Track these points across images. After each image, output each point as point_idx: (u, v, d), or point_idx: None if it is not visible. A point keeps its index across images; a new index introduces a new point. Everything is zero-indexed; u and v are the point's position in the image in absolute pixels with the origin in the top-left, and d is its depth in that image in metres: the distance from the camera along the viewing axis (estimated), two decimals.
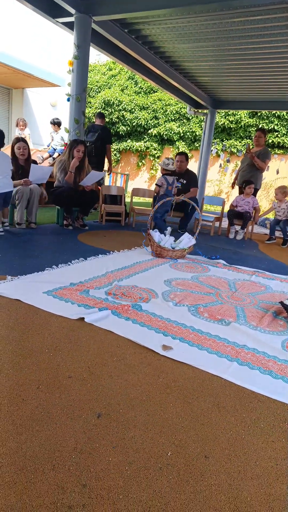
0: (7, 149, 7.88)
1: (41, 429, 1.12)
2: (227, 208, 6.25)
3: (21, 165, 4.36)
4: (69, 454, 1.03)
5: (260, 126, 11.22)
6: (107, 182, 9.06)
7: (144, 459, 1.05)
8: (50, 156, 7.56)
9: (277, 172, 10.76)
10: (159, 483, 0.98)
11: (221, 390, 1.44)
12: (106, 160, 6.79)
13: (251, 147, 6.42)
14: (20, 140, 4.35)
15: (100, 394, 1.32)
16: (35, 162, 4.61)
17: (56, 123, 7.55)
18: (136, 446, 1.10)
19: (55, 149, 7.67)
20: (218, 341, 1.85)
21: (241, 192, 6.07)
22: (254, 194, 6.21)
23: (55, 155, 7.41)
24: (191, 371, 1.56)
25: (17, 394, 1.27)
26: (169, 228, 3.95)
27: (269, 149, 10.49)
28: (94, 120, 6.89)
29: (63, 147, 7.60)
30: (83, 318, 1.93)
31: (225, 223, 6.00)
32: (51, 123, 7.60)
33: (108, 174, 7.81)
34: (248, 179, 5.91)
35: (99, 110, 13.42)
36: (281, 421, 1.29)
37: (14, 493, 0.90)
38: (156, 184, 4.89)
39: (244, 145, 11.62)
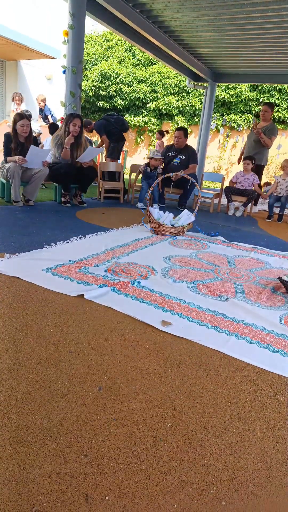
0: (2, 124, 7.71)
1: (42, 403, 1.14)
2: (227, 184, 6.18)
3: (22, 143, 4.27)
4: (70, 427, 1.06)
5: (261, 100, 10.94)
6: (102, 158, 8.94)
7: (144, 430, 1.07)
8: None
9: (279, 148, 10.54)
10: (159, 453, 1.00)
11: (220, 363, 1.46)
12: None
13: (257, 122, 6.27)
14: (24, 117, 4.23)
15: (100, 369, 1.34)
16: (35, 139, 4.51)
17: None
18: (136, 417, 1.12)
19: None
20: (217, 317, 1.87)
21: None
22: (260, 170, 6.09)
23: None
24: (190, 345, 1.57)
25: (18, 370, 1.29)
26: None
27: None
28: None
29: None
30: (82, 295, 1.93)
31: (224, 199, 5.95)
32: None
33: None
34: (248, 155, 5.81)
35: (96, 83, 13.07)
36: (278, 393, 1.31)
37: (17, 464, 0.92)
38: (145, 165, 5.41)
39: (244, 119, 11.38)
